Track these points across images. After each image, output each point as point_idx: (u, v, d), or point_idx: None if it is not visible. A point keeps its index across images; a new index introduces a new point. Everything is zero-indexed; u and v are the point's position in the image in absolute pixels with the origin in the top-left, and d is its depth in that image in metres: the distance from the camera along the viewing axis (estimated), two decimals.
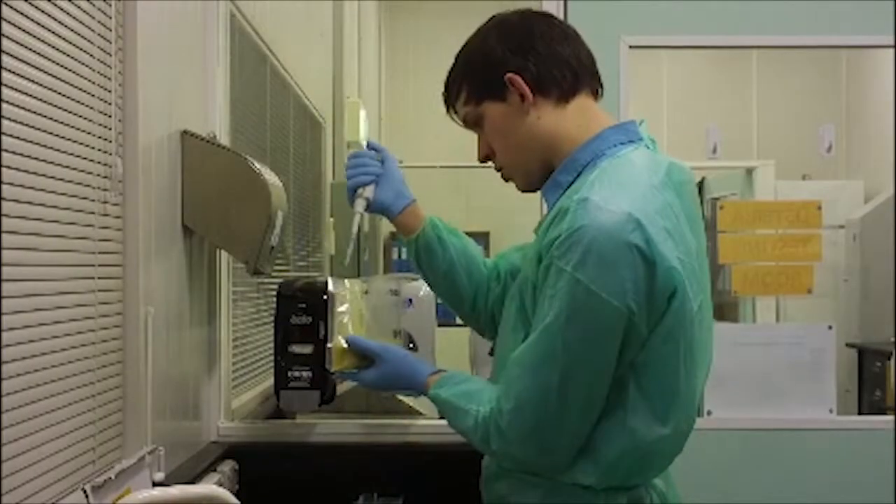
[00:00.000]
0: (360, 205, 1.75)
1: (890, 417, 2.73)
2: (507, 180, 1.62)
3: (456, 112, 1.62)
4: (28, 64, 1.40)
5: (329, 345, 1.71)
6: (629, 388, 1.42)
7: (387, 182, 1.77)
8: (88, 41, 1.61)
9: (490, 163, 1.62)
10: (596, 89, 1.58)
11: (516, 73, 1.51)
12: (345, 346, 1.69)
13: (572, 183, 1.50)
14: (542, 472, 1.48)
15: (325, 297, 2.19)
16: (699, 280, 1.46)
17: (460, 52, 1.60)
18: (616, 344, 1.38)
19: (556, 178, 1.53)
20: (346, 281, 1.72)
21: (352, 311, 1.70)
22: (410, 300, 2.12)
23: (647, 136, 1.56)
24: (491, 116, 1.55)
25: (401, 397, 2.50)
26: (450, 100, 1.61)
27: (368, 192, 1.76)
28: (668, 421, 1.43)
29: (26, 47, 1.39)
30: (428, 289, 2.14)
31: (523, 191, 1.62)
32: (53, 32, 1.48)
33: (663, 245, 1.37)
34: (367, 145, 1.82)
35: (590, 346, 1.38)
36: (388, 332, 1.73)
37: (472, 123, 1.60)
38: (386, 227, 5.49)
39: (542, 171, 1.55)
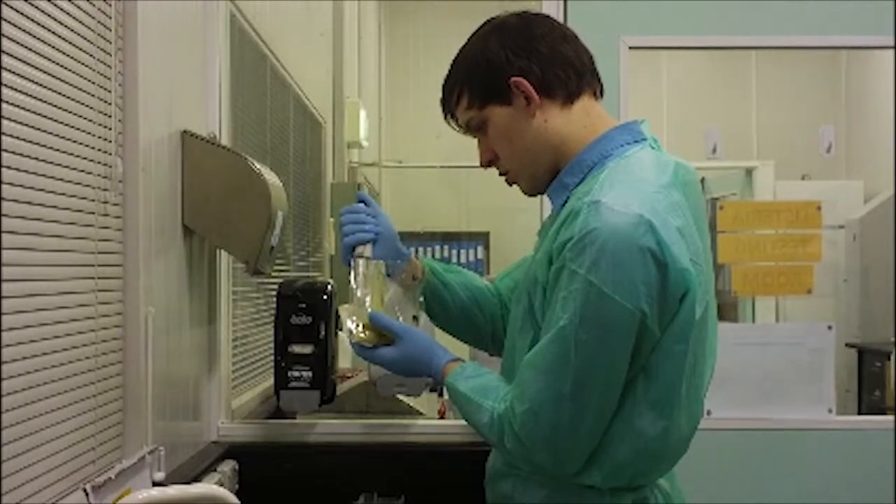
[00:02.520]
0: (361, 265, 1.69)
1: (890, 417, 2.73)
2: (511, 184, 1.61)
3: (455, 118, 1.60)
4: (28, 64, 1.40)
5: (349, 319, 1.64)
6: (637, 390, 1.42)
7: (384, 239, 1.74)
8: (88, 41, 1.61)
9: (492, 167, 1.60)
10: (597, 89, 1.57)
11: (521, 76, 1.50)
12: (366, 321, 1.63)
13: (578, 184, 1.50)
14: (555, 474, 1.47)
15: (325, 297, 2.19)
16: (708, 282, 1.46)
17: (458, 56, 1.58)
18: (629, 346, 1.38)
19: (562, 179, 1.53)
20: (371, 262, 1.69)
21: (373, 291, 1.67)
22: None
23: (651, 135, 1.56)
24: (496, 121, 1.54)
25: (401, 397, 2.51)
26: (448, 106, 1.59)
27: (367, 251, 1.71)
28: (674, 422, 1.44)
29: (26, 47, 1.39)
30: None
31: (529, 194, 1.61)
32: (53, 32, 1.48)
33: (675, 246, 1.37)
34: (358, 199, 1.78)
35: (603, 349, 1.37)
36: (407, 316, 1.68)
37: (474, 129, 1.58)
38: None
39: (548, 173, 1.55)
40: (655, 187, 1.42)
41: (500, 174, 1.61)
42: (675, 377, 1.42)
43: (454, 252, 6.54)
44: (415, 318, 1.70)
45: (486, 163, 1.60)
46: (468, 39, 1.58)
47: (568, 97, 1.52)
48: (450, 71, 1.59)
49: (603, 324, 1.36)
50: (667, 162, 1.50)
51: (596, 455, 1.44)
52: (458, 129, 1.61)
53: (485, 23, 1.58)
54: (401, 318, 1.65)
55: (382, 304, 1.66)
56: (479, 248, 6.55)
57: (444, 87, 1.59)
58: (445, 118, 1.61)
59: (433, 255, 6.39)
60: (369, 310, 1.62)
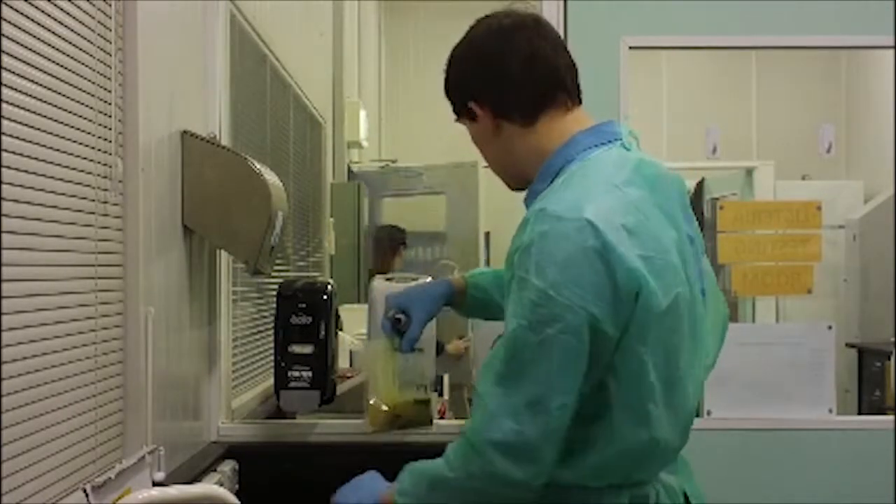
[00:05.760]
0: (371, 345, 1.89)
1: (890, 417, 2.73)
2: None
3: None
4: (28, 64, 1.40)
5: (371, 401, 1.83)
6: (609, 391, 1.42)
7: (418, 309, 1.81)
8: (88, 41, 1.61)
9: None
10: (572, 96, 1.57)
11: (478, 101, 1.55)
12: (383, 407, 1.80)
13: (545, 190, 1.52)
14: (524, 481, 1.42)
15: (325, 297, 2.19)
16: (676, 273, 1.44)
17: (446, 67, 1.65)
18: (582, 348, 1.37)
19: (533, 188, 1.56)
20: (381, 340, 1.79)
21: (385, 370, 1.80)
22: None
23: (627, 133, 1.56)
24: (470, 132, 1.62)
25: None
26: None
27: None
28: (654, 418, 1.43)
29: (26, 47, 1.39)
30: None
31: (514, 190, 1.65)
32: (53, 32, 1.48)
33: (621, 246, 1.37)
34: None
35: (554, 351, 1.37)
36: (412, 386, 1.83)
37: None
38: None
39: (521, 180, 1.59)
40: (606, 187, 1.43)
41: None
42: (644, 374, 1.41)
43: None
44: (419, 386, 1.82)
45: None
46: (454, 48, 1.63)
47: (526, 120, 1.54)
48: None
49: (551, 326, 1.37)
50: (627, 159, 1.50)
51: (574, 457, 1.44)
52: None
53: (468, 31, 1.62)
54: (406, 391, 1.82)
55: (395, 380, 1.79)
56: None
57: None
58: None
59: (432, 255, 6.40)
60: (383, 393, 1.80)
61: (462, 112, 1.60)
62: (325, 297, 2.19)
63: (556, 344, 1.37)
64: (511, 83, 1.54)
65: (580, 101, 1.58)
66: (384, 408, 1.80)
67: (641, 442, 1.43)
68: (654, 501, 1.49)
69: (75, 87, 1.56)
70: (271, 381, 2.25)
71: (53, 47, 1.48)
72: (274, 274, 2.57)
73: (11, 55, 1.34)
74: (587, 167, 1.49)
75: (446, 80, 1.63)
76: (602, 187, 1.43)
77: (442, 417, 2.74)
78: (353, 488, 1.62)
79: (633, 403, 1.42)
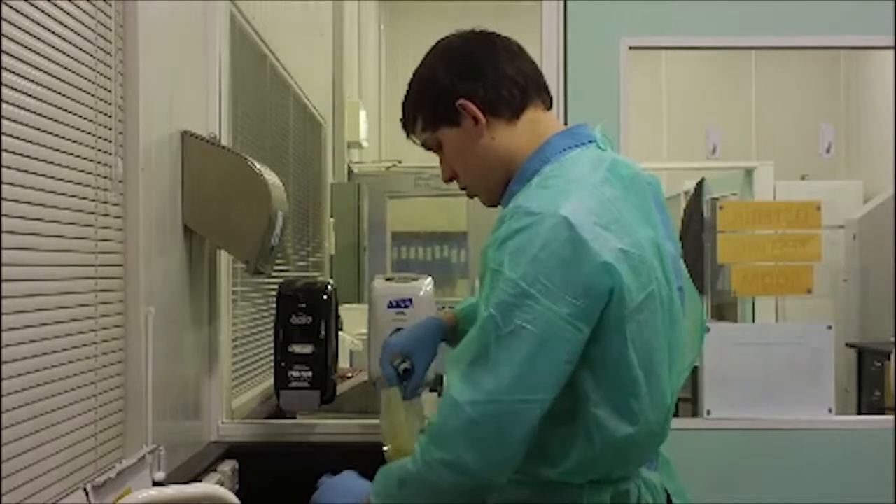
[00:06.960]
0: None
1: (889, 417, 2.73)
2: (471, 197, 1.66)
3: (416, 138, 1.66)
4: (28, 64, 1.40)
5: (385, 448, 1.87)
6: (586, 387, 1.42)
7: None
8: (88, 41, 1.61)
9: (455, 183, 1.65)
10: (545, 100, 1.61)
11: (467, 99, 1.55)
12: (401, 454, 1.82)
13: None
14: (484, 475, 1.41)
15: (325, 297, 2.19)
16: (651, 271, 1.45)
17: (411, 81, 1.64)
18: (552, 343, 1.38)
19: (511, 189, 1.57)
20: (395, 389, 1.86)
21: (395, 419, 1.87)
22: (410, 300, 2.12)
23: (601, 136, 1.58)
24: (448, 141, 1.60)
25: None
26: (408, 127, 1.65)
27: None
28: (633, 415, 1.43)
29: (26, 47, 1.39)
30: (428, 289, 2.15)
31: (488, 205, 1.65)
32: (53, 32, 1.48)
33: (595, 242, 1.38)
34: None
35: (522, 343, 1.37)
36: (416, 428, 1.85)
37: (432, 148, 1.64)
38: (391, 224, 5.49)
39: (502, 185, 1.59)
40: (582, 186, 1.45)
41: (461, 188, 1.66)
42: (621, 371, 1.42)
43: (454, 252, 6.54)
44: (422, 430, 1.85)
45: (448, 178, 1.66)
46: (420, 63, 1.64)
47: (513, 113, 1.57)
48: (405, 95, 1.65)
49: (520, 318, 1.37)
50: (603, 160, 1.52)
51: (561, 453, 1.45)
52: (420, 146, 1.67)
53: (434, 46, 1.64)
54: (412, 435, 1.82)
55: (403, 427, 1.86)
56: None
57: (402, 109, 1.65)
58: (408, 137, 1.67)
59: (432, 255, 6.41)
60: (398, 439, 1.85)
61: (444, 119, 1.58)
62: (325, 297, 2.20)
63: (523, 335, 1.37)
64: (502, 75, 1.56)
65: (551, 107, 1.63)
66: (400, 454, 1.85)
67: (622, 437, 1.43)
68: (635, 499, 1.49)
69: (75, 87, 1.56)
70: (271, 381, 2.25)
71: (53, 47, 1.48)
72: (274, 274, 2.58)
73: (11, 55, 1.35)
74: (563, 167, 1.50)
75: (417, 94, 1.61)
76: (578, 186, 1.45)
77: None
78: (331, 489, 1.59)
79: (613, 398, 1.43)
